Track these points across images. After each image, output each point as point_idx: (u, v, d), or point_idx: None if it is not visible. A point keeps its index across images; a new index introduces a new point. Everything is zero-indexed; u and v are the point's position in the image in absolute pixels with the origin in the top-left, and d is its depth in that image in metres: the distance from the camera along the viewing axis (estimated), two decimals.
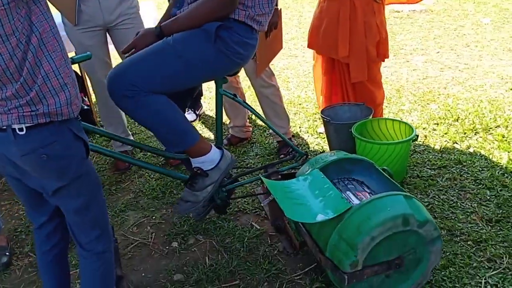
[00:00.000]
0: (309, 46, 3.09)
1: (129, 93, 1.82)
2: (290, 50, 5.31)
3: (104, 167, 3.24)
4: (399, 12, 6.16)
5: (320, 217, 1.84)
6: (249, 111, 3.59)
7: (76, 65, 3.24)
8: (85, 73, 3.25)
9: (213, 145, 2.04)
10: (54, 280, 1.80)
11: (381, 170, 2.14)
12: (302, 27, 6.05)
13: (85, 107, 3.61)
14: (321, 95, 3.17)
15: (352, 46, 2.84)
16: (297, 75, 4.55)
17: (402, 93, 3.89)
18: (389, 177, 2.08)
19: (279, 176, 2.29)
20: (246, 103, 2.36)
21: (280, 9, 2.81)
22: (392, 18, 5.98)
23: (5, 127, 1.41)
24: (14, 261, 2.43)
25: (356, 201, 1.95)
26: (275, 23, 2.72)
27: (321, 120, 3.08)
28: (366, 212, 1.80)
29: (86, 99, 3.69)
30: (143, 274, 2.26)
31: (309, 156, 2.52)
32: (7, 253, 2.43)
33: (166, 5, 2.39)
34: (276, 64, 4.87)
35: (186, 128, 1.94)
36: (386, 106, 3.65)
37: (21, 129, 1.41)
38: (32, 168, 1.47)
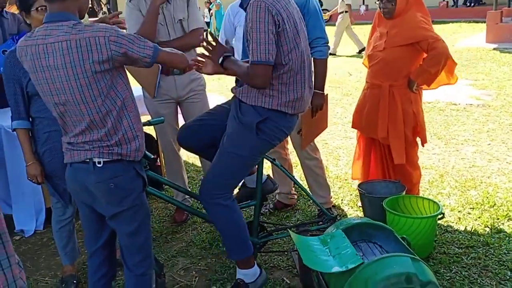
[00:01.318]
0: (353, 126, 3.49)
1: (221, 199, 2.36)
2: (346, 132, 5.69)
3: (164, 219, 3.70)
4: (456, 105, 6.41)
5: (335, 269, 2.13)
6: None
7: (154, 132, 3.84)
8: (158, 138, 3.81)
9: (256, 264, 2.47)
10: None
11: (399, 238, 2.39)
12: None
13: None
14: (359, 170, 3.50)
15: (391, 130, 3.19)
16: (348, 155, 4.88)
17: (445, 178, 4.09)
18: (404, 244, 2.33)
19: (308, 234, 2.60)
20: (285, 169, 2.76)
21: (327, 94, 3.25)
22: (449, 110, 6.25)
23: (88, 160, 1.91)
24: None
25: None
26: (320, 105, 3.15)
27: None
28: (375, 268, 2.06)
29: (158, 160, 4.26)
30: None
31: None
32: (74, 281, 2.88)
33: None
34: (330, 144, 5.25)
35: (247, 242, 2.44)
36: (427, 189, 3.87)
37: (99, 162, 1.90)
38: (101, 194, 1.93)
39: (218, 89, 8.55)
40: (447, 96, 6.65)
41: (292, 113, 2.34)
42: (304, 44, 2.37)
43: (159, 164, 4.24)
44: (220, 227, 2.46)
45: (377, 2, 3.15)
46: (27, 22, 2.59)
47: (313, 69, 3.16)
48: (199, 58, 2.36)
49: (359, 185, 3.31)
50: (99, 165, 1.92)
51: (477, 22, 16.84)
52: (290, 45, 2.22)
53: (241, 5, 2.37)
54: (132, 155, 1.97)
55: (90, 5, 32.25)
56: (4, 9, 3.80)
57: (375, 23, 3.28)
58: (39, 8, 2.50)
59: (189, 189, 3.79)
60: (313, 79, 3.16)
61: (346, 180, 4.19)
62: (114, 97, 1.91)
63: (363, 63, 3.53)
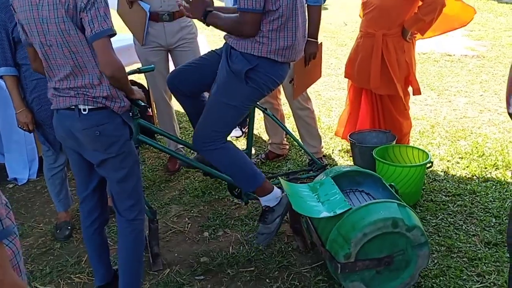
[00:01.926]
0: (346, 76, 3.47)
1: (211, 145, 2.35)
2: (339, 83, 5.66)
3: (157, 168, 3.73)
4: (450, 56, 6.36)
5: (324, 214, 2.17)
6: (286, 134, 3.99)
7: (145, 81, 3.81)
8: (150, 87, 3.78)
9: (274, 186, 2.47)
10: (95, 249, 2.26)
11: (387, 185, 2.43)
12: None
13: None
14: (346, 120, 3.52)
15: (383, 80, 3.17)
16: (341, 106, 4.88)
17: (436, 129, 4.12)
18: (392, 191, 2.37)
19: (298, 181, 2.64)
20: (277, 119, 2.76)
21: (321, 42, 3.20)
22: (443, 61, 6.20)
23: (73, 107, 1.91)
24: (73, 234, 2.91)
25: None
26: (314, 54, 3.11)
27: None
28: (362, 213, 2.12)
29: (150, 109, 4.24)
30: (176, 255, 2.66)
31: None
32: (69, 227, 2.93)
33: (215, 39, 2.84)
34: (323, 95, 5.24)
35: (255, 170, 2.43)
36: (418, 139, 3.91)
37: (84, 110, 1.90)
38: (88, 140, 1.94)
39: (211, 38, 8.40)
40: (442, 47, 6.59)
41: (282, 61, 2.31)
42: None
43: (151, 114, 4.22)
44: (223, 168, 2.48)
45: None
46: None
47: (307, 16, 3.11)
48: (184, 3, 2.30)
49: (349, 135, 3.33)
50: (84, 112, 1.91)
51: None
52: None
53: None
54: (116, 108, 1.96)
55: None
56: None
57: None
58: None
59: (181, 139, 3.81)
60: (306, 27, 3.11)
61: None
62: (90, 52, 1.89)
63: (359, 15, 3.46)
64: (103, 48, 1.83)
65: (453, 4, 3.16)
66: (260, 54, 2.25)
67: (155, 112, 3.92)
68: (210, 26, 2.30)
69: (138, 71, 2.53)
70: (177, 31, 3.23)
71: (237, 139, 4.13)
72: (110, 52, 1.85)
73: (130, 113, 2.19)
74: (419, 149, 3.10)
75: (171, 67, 3.47)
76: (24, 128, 2.62)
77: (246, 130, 4.26)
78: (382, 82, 3.19)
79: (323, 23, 3.15)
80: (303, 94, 3.31)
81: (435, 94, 5.03)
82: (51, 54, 1.89)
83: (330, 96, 5.23)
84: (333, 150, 3.82)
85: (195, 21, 3.37)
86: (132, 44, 3.42)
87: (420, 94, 3.36)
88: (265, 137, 4.02)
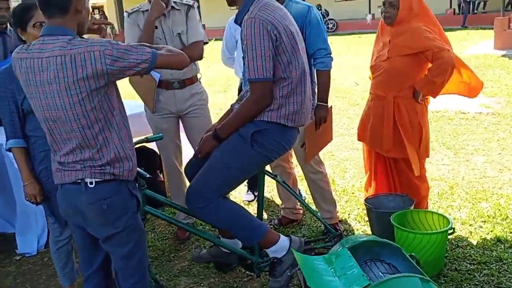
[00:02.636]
0: (359, 138, 3.39)
1: (202, 204, 2.27)
2: (353, 143, 5.59)
3: (167, 236, 3.62)
4: (465, 113, 6.29)
5: None
6: (300, 196, 3.89)
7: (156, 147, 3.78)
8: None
9: (281, 234, 2.37)
10: None
11: (407, 256, 2.29)
12: None
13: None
14: (368, 184, 3.40)
15: (396, 142, 3.09)
16: (356, 166, 4.79)
17: (455, 190, 3.97)
18: (413, 262, 2.22)
19: (313, 253, 2.50)
20: (288, 186, 2.67)
21: (331, 106, 3.17)
22: (458, 119, 6.13)
23: (79, 180, 1.85)
24: None
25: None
26: (324, 117, 3.07)
27: None
28: None
29: (161, 175, 4.19)
30: None
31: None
32: None
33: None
34: (337, 155, 5.16)
35: (255, 223, 2.33)
36: (437, 201, 3.76)
37: (91, 183, 1.83)
38: (94, 215, 1.86)
39: (225, 104, 8.51)
40: (456, 105, 6.52)
41: (291, 126, 2.27)
42: (304, 55, 2.31)
43: (162, 179, 4.17)
44: (220, 225, 2.39)
45: (380, 7, 3.07)
46: (23, 38, 2.54)
47: (316, 80, 3.10)
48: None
49: (365, 200, 3.21)
50: (91, 186, 1.85)
51: (484, 29, 16.73)
52: (289, 58, 2.17)
53: (236, 22, 2.31)
54: (125, 174, 1.90)
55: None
56: (9, 27, 3.77)
57: (379, 32, 3.20)
58: (36, 24, 2.45)
59: None
60: (315, 91, 3.09)
61: (353, 193, 4.09)
62: (106, 114, 1.85)
63: (369, 77, 3.45)
64: (164, 62, 1.90)
65: (463, 71, 3.13)
66: (270, 119, 2.22)
67: (166, 179, 3.87)
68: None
69: (146, 140, 2.50)
70: (188, 98, 3.23)
71: (249, 203, 4.02)
72: (171, 58, 1.93)
73: (137, 184, 2.13)
74: (439, 214, 2.96)
75: (183, 134, 3.46)
76: (31, 201, 2.57)
77: None
78: (395, 145, 3.11)
79: (335, 84, 3.15)
80: (315, 157, 3.24)
81: (452, 153, 4.92)
82: (56, 129, 1.85)
83: (344, 157, 5.14)
84: (349, 214, 3.69)
85: (205, 87, 3.41)
86: (143, 112, 3.42)
87: (428, 156, 3.27)
88: (277, 201, 3.91)
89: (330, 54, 3.06)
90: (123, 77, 1.88)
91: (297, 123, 2.29)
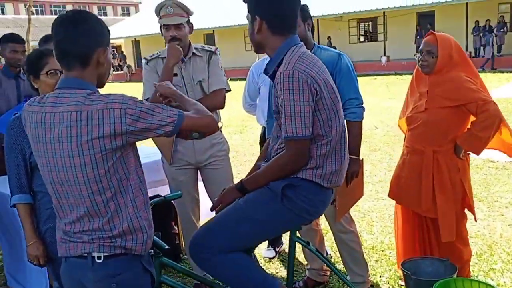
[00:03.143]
0: (390, 195, 3.12)
1: (207, 255, 1.99)
2: (377, 193, 5.31)
3: None
4: (494, 162, 5.99)
5: None
6: (326, 254, 3.59)
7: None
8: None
9: None
10: None
11: None
12: (391, 169, 6.03)
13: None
14: (401, 246, 3.10)
15: (438, 202, 2.81)
16: (382, 219, 4.49)
17: (495, 250, 3.65)
18: None
19: None
20: (319, 253, 2.40)
21: (362, 159, 2.92)
22: (487, 168, 5.83)
23: (86, 254, 1.60)
24: None
25: None
26: (356, 172, 2.82)
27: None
28: None
29: (176, 227, 3.94)
30: None
31: None
32: None
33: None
34: (361, 206, 4.86)
35: (264, 282, 2.03)
36: (476, 263, 3.44)
37: (99, 257, 1.59)
38: None
39: (242, 146, 8.31)
40: (484, 153, 6.22)
41: (327, 187, 2.02)
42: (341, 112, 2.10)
43: (177, 231, 3.91)
44: (224, 281, 2.09)
45: (416, 55, 2.86)
46: (35, 86, 2.37)
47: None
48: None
49: (402, 264, 2.90)
50: (98, 261, 1.61)
51: (502, 72, 16.56)
52: (329, 114, 1.96)
53: (265, 72, 2.11)
54: (138, 248, 1.65)
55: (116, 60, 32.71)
56: (22, 71, 3.66)
57: (413, 80, 2.98)
58: (49, 72, 2.27)
59: None
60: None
61: (382, 251, 3.78)
62: (121, 179, 1.63)
63: (398, 124, 3.21)
64: (190, 125, 1.71)
65: (504, 130, 2.87)
66: (305, 176, 1.98)
67: (182, 233, 3.61)
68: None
69: (163, 199, 2.26)
70: (208, 148, 3.01)
71: (270, 260, 3.73)
72: (201, 117, 1.76)
73: (152, 251, 1.87)
74: (487, 284, 2.63)
75: (201, 185, 3.23)
76: (34, 262, 2.33)
77: (281, 250, 3.87)
78: (434, 205, 2.83)
79: None
80: (345, 215, 2.97)
81: (485, 207, 4.60)
82: (63, 192, 1.63)
83: (369, 208, 4.85)
84: (380, 276, 3.37)
85: (226, 135, 3.19)
86: (160, 160, 3.21)
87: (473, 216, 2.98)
88: (301, 258, 3.61)
89: (362, 104, 2.85)
90: (143, 139, 1.66)
91: (333, 183, 2.05)
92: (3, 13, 43.66)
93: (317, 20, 24.27)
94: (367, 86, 15.65)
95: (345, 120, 2.81)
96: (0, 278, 3.59)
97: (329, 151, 1.98)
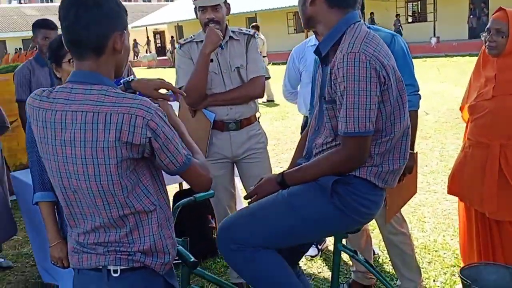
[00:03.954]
0: (449, 192, 2.79)
1: (236, 247, 1.75)
2: (428, 185, 4.94)
3: None
4: None
5: None
6: (374, 254, 3.31)
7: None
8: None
9: None
10: None
11: None
12: (444, 159, 5.67)
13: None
14: (462, 248, 2.78)
15: (502, 202, 2.48)
16: (435, 215, 4.14)
17: None
18: None
19: None
20: (368, 263, 2.13)
21: (416, 152, 2.62)
22: None
23: (101, 267, 1.42)
24: None
25: None
26: (410, 167, 2.52)
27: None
28: None
29: (213, 221, 3.75)
30: None
31: None
32: None
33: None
34: (411, 200, 4.48)
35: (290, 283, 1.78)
36: None
37: (115, 271, 1.40)
38: None
39: (283, 133, 8.05)
40: None
41: (382, 187, 1.75)
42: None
43: (214, 225, 3.72)
44: (248, 280, 1.86)
45: (483, 35, 2.50)
46: (57, 76, 2.20)
47: None
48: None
49: (460, 271, 2.59)
50: (115, 275, 1.41)
51: None
52: (393, 107, 1.70)
53: (316, 52, 1.82)
54: (158, 267, 1.46)
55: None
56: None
57: (479, 63, 2.62)
58: (71, 60, 2.09)
59: None
60: None
61: (436, 251, 3.45)
62: (140, 194, 1.42)
63: (462, 117, 2.86)
64: (191, 176, 1.48)
65: None
66: (359, 174, 1.71)
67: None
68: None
69: (193, 200, 2.05)
70: (245, 141, 2.78)
71: (312, 259, 3.48)
72: (201, 175, 1.50)
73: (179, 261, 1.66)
74: None
75: (237, 180, 3.02)
76: (58, 264, 2.18)
77: (324, 248, 3.62)
78: (500, 205, 2.49)
79: None
80: (397, 215, 2.68)
81: None
82: (76, 201, 1.43)
83: (419, 201, 4.49)
84: (434, 280, 3.06)
85: (265, 127, 2.95)
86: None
87: None
88: (346, 257, 3.35)
89: (418, 90, 2.54)
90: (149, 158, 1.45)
91: (388, 184, 1.78)
92: (51, 0, 44.78)
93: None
94: (416, 69, 14.96)
95: None
96: (35, 271, 3.54)
97: (388, 149, 1.72)
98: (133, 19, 35.60)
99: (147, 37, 33.96)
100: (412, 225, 3.95)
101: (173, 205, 3.56)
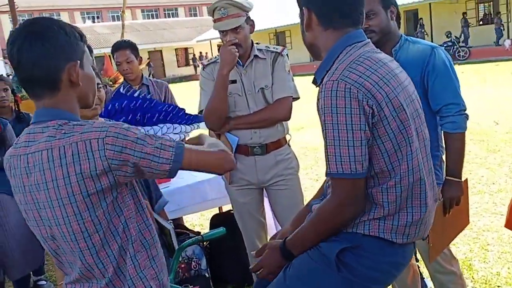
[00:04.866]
0: (507, 225, 2.41)
1: None
2: (495, 206, 4.45)
3: None
4: None
5: None
6: None
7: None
8: None
9: None
10: None
11: None
12: None
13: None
14: None
15: None
16: (500, 242, 3.69)
17: None
18: None
19: None
20: None
21: (466, 179, 2.28)
22: None
23: None
24: None
25: None
26: (456, 198, 2.19)
27: None
28: None
29: None
30: None
31: None
32: None
33: None
34: (474, 223, 4.07)
35: None
36: None
37: None
38: None
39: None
40: None
41: (403, 243, 1.46)
42: (423, 126, 1.52)
43: None
44: None
45: None
46: None
47: (443, 145, 2.26)
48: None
49: None
50: None
51: None
52: (396, 142, 1.40)
53: (314, 82, 1.59)
54: None
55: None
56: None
57: None
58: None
59: None
60: (443, 159, 2.25)
61: (498, 286, 3.03)
62: (117, 232, 1.27)
63: None
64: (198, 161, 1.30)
65: None
66: (368, 231, 1.44)
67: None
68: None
69: (201, 239, 1.87)
70: (272, 166, 2.57)
71: None
72: (207, 154, 1.33)
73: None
74: None
75: (267, 206, 2.81)
76: None
77: None
78: None
79: (468, 123, 2.23)
80: (444, 252, 2.34)
81: None
82: (58, 248, 1.32)
83: (483, 226, 4.04)
84: None
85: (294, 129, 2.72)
86: (221, 181, 2.85)
87: None
88: None
89: (465, 110, 2.20)
90: (140, 178, 1.28)
91: (413, 237, 1.49)
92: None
93: (429, 4, 22.47)
94: (487, 74, 14.03)
95: (442, 132, 2.23)
96: None
97: (402, 196, 1.43)
98: (197, 33, 36.53)
99: (211, 51, 34.64)
100: (473, 254, 3.53)
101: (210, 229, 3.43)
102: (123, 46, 3.45)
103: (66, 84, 1.28)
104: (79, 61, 1.28)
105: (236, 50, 2.38)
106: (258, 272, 1.63)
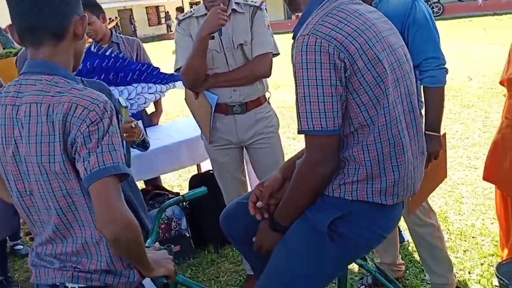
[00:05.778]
0: (486, 178, 2.46)
1: None
2: (469, 160, 4.55)
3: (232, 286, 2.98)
4: None
5: None
6: (403, 241, 3.06)
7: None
8: None
9: None
10: None
11: None
12: (487, 130, 5.21)
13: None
14: (502, 241, 2.47)
15: None
16: (474, 194, 3.78)
17: None
18: None
19: None
20: (380, 270, 1.86)
21: (444, 134, 2.29)
22: None
23: (58, 284, 1.26)
24: None
25: None
26: (435, 152, 2.21)
27: None
28: None
29: None
30: None
31: None
32: None
33: None
34: (449, 177, 4.15)
35: None
36: None
37: None
38: None
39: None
40: None
41: (393, 203, 1.46)
42: (404, 83, 1.48)
43: None
44: None
45: None
46: None
47: (422, 100, 2.25)
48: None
49: (497, 268, 2.29)
50: None
51: None
52: (374, 94, 1.35)
53: (294, 37, 1.53)
54: (122, 285, 1.27)
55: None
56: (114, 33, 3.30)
57: None
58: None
59: None
60: (422, 114, 2.25)
61: (473, 237, 3.12)
62: (85, 204, 1.24)
63: (503, 94, 2.49)
64: (99, 195, 1.14)
65: None
66: (357, 197, 1.42)
67: None
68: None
69: (182, 199, 1.84)
70: (251, 125, 2.53)
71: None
72: (111, 202, 1.14)
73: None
74: None
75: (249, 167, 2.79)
76: None
77: None
78: None
79: None
80: (423, 205, 2.38)
81: None
82: (33, 206, 1.28)
83: (458, 179, 4.13)
84: (469, 272, 2.76)
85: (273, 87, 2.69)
86: (199, 137, 2.80)
87: None
88: None
89: (444, 64, 2.18)
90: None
91: (402, 196, 1.47)
92: None
93: None
94: (460, 29, 14.10)
95: (421, 87, 2.21)
96: None
97: (384, 152, 1.39)
98: None
99: (182, 8, 33.70)
100: (448, 207, 3.62)
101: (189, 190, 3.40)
102: None
103: (70, 36, 1.26)
104: (85, 16, 1.28)
105: (225, 18, 2.27)
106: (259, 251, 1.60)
